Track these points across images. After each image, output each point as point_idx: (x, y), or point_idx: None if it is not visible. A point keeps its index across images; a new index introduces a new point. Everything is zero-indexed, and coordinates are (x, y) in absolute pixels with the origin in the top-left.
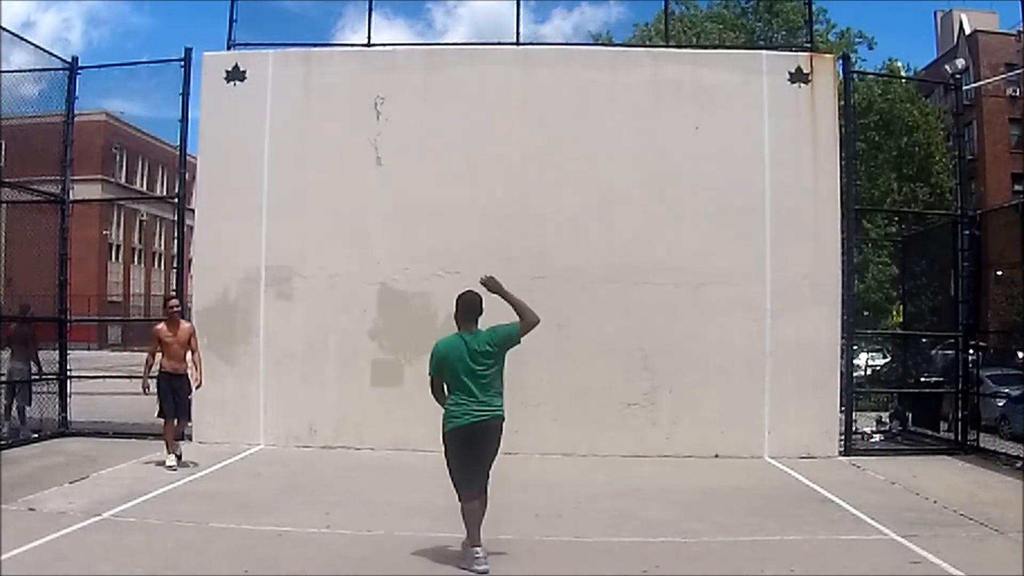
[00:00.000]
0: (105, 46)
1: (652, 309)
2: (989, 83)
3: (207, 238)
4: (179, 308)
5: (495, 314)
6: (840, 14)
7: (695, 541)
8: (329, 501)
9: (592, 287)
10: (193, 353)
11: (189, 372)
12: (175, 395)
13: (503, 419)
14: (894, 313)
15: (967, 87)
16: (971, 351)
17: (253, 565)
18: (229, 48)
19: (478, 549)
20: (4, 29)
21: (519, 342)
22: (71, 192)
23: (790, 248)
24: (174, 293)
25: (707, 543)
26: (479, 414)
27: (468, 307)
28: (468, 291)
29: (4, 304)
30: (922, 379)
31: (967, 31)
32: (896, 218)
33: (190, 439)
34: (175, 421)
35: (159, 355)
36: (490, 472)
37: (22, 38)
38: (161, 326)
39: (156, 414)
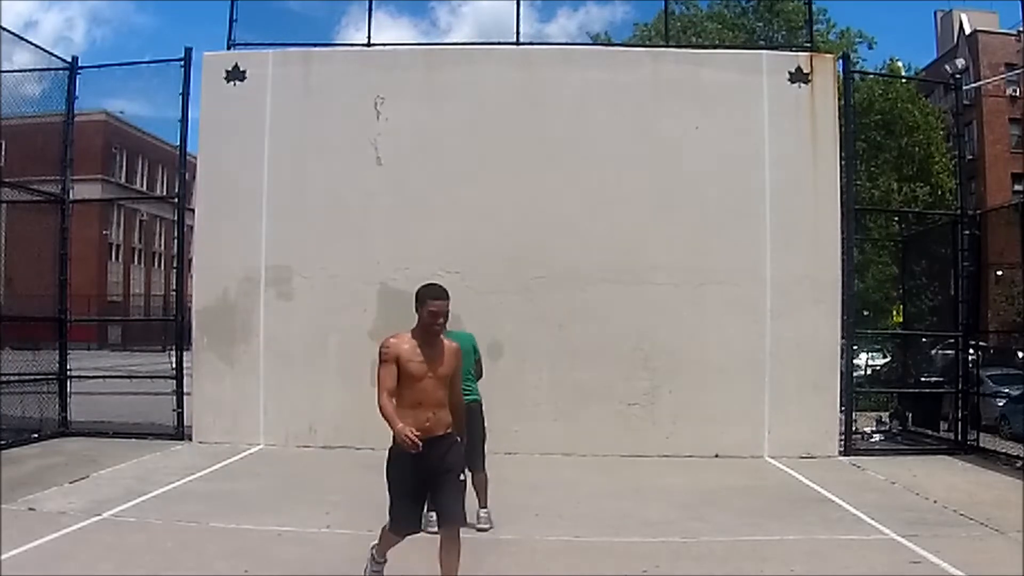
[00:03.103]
0: (108, 45)
1: (652, 309)
2: (989, 83)
3: (207, 238)
4: (446, 319)
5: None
6: (840, 14)
7: (695, 541)
8: (329, 501)
9: (592, 287)
10: (453, 395)
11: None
12: (419, 479)
13: (475, 401)
14: (894, 313)
15: (967, 87)
16: (971, 351)
17: (253, 565)
18: (229, 48)
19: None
20: (4, 29)
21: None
22: (71, 192)
23: (790, 248)
24: (441, 288)
25: (707, 543)
26: None
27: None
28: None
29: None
30: (922, 379)
31: (967, 31)
32: (896, 218)
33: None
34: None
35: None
36: (483, 450)
37: (22, 38)
38: (398, 341)
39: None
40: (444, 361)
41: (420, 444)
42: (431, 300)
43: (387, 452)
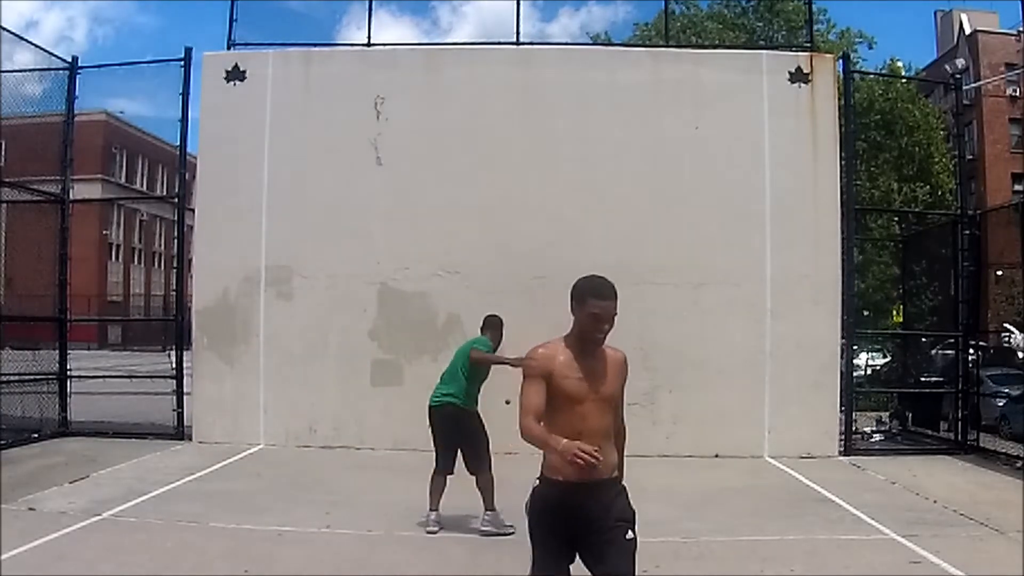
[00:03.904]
0: (109, 45)
1: (652, 309)
2: (989, 83)
3: (207, 238)
4: (611, 324)
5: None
6: (840, 14)
7: (695, 541)
8: (329, 501)
9: None
10: (619, 434)
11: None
12: (572, 532)
13: (451, 405)
14: (894, 313)
15: (967, 87)
16: (971, 351)
17: (253, 565)
18: (229, 48)
19: (432, 514)
20: (4, 29)
21: (469, 361)
22: (71, 192)
23: (790, 248)
24: (606, 283)
25: (707, 543)
26: (433, 400)
27: (485, 323)
28: (491, 314)
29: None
30: (922, 379)
31: (967, 31)
32: (896, 218)
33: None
34: None
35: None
36: (466, 456)
37: (22, 38)
38: (548, 351)
39: None
40: (608, 378)
41: (598, 458)
42: (593, 299)
43: (530, 493)
